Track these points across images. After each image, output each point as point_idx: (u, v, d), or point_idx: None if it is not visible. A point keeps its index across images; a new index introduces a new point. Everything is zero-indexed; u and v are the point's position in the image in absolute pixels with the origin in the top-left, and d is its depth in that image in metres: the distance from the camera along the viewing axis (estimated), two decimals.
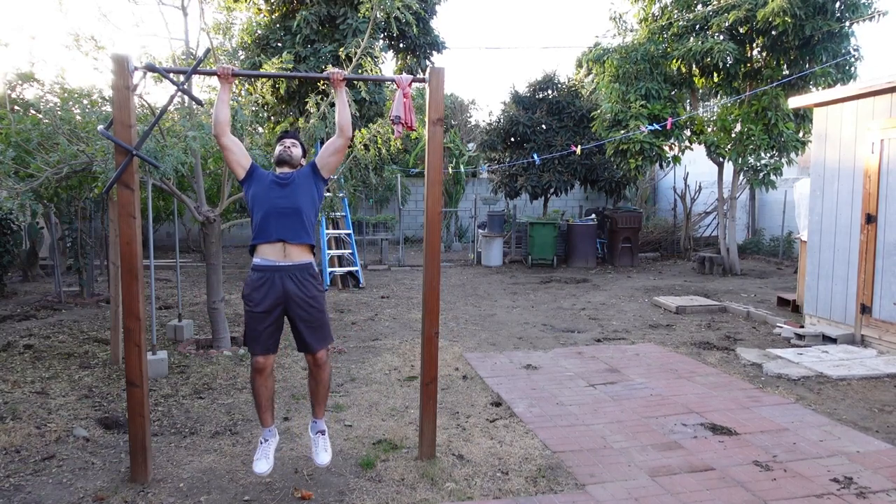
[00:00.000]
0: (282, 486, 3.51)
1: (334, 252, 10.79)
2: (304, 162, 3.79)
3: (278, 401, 4.85)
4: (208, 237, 6.25)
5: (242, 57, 10.38)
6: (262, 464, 3.49)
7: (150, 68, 3.59)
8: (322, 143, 5.72)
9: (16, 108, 6.19)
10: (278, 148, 3.71)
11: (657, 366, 5.93)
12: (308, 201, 3.56)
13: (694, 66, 11.60)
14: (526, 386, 5.29)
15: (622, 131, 11.61)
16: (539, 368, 5.82)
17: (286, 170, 3.64)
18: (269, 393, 3.57)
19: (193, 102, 5.05)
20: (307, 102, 6.47)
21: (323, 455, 3.59)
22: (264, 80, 8.38)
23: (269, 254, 3.46)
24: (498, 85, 47.24)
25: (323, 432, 3.67)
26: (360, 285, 10.71)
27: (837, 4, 10.34)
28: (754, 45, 11.56)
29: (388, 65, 12.44)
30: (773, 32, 10.55)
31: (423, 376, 3.84)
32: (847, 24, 10.44)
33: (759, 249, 15.23)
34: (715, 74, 11.92)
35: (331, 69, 3.81)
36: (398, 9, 5.96)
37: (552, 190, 14.78)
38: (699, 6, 11.56)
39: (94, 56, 5.95)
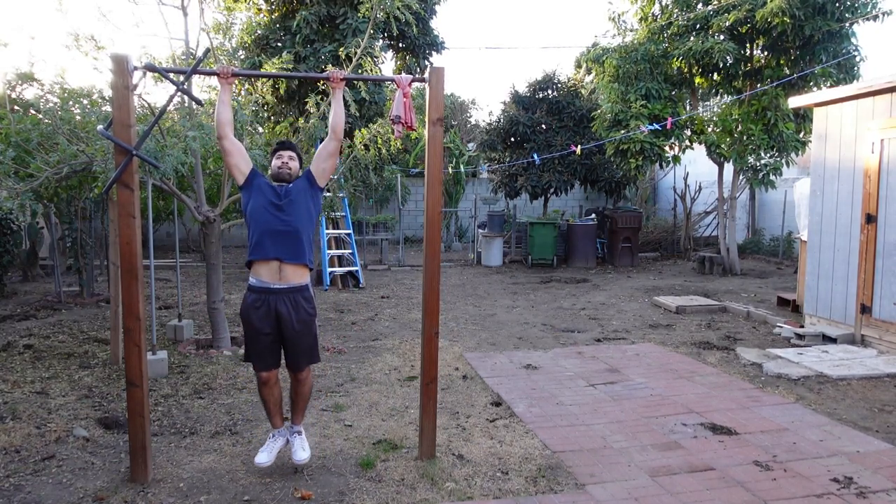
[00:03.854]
0: (282, 486, 3.51)
1: (334, 252, 10.79)
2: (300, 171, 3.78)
3: None
4: (208, 237, 6.26)
5: (242, 57, 10.38)
6: (263, 456, 3.62)
7: (150, 68, 3.59)
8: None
9: (16, 108, 6.19)
10: (275, 162, 3.66)
11: (657, 366, 5.93)
12: (306, 219, 3.56)
13: (694, 65, 11.59)
14: (526, 386, 5.29)
15: (622, 131, 11.60)
16: (539, 368, 5.82)
17: (284, 184, 3.62)
18: (277, 399, 3.71)
19: (193, 102, 5.05)
20: (307, 102, 6.47)
21: (301, 453, 3.68)
22: (264, 80, 8.39)
23: (265, 274, 3.49)
24: (498, 85, 47.29)
25: (300, 433, 3.77)
26: (360, 285, 10.71)
27: (837, 5, 10.33)
28: (755, 44, 11.56)
29: (387, 65, 12.44)
30: (774, 32, 10.56)
31: (423, 376, 3.84)
32: (847, 24, 10.43)
33: (759, 249, 15.23)
34: (715, 74, 11.92)
35: (331, 69, 3.81)
36: (398, 9, 5.96)
37: (552, 190, 14.78)
38: (699, 6, 11.55)
39: (94, 56, 5.96)
